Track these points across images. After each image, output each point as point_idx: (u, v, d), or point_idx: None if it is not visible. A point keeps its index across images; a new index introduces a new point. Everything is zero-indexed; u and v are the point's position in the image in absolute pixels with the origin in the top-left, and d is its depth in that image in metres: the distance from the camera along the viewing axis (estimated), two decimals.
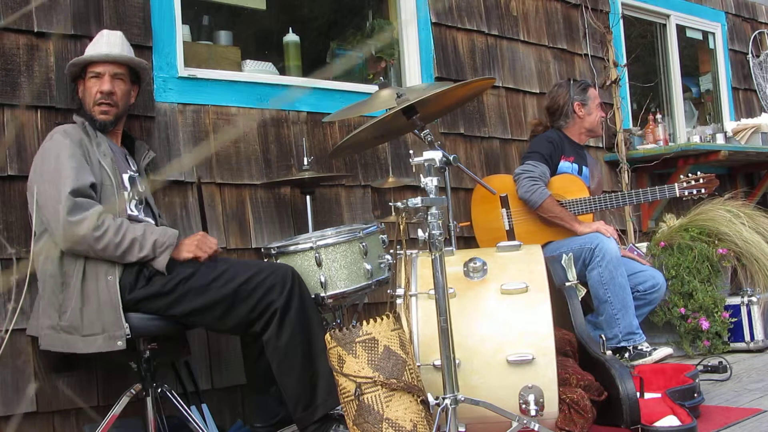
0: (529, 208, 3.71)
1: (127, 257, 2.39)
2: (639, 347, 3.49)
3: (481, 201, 3.89)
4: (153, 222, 2.68)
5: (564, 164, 3.83)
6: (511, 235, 3.76)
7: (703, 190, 3.78)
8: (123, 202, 2.55)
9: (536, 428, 2.15)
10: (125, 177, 2.64)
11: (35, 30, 2.77)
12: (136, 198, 2.67)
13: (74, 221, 2.33)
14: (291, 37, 3.81)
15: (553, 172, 3.79)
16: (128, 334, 2.36)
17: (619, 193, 3.84)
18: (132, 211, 2.62)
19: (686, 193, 3.78)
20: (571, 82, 3.98)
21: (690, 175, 3.84)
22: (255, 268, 2.47)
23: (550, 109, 3.98)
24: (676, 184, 3.80)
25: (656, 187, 3.86)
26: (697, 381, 2.96)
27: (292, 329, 2.40)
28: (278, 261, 2.70)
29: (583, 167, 3.92)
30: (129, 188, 2.63)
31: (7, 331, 2.52)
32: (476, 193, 3.94)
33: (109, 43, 2.64)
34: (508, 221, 3.79)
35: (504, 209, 3.79)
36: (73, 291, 2.38)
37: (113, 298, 2.36)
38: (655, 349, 3.50)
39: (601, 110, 3.99)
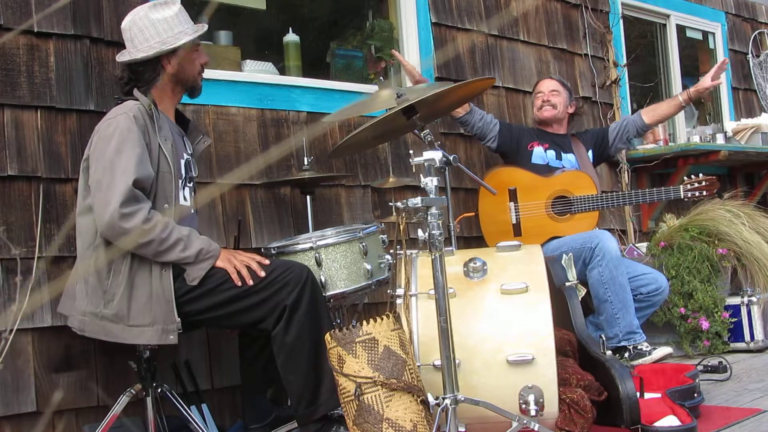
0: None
1: (166, 255, 2.34)
2: (639, 347, 3.49)
3: (489, 193, 3.88)
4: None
5: (537, 150, 3.91)
6: (517, 228, 3.78)
7: (705, 192, 3.80)
8: (178, 191, 2.50)
9: (536, 428, 2.15)
10: (182, 162, 2.57)
11: (35, 30, 2.77)
12: (190, 185, 2.62)
13: (126, 213, 2.29)
14: (291, 37, 3.82)
15: (510, 145, 3.89)
16: (180, 329, 2.35)
17: (626, 192, 3.86)
18: (185, 200, 2.57)
19: (689, 195, 3.81)
20: None
21: (693, 177, 3.85)
22: (270, 266, 2.45)
23: None
24: (681, 186, 3.83)
25: (662, 188, 3.89)
26: (697, 381, 2.96)
27: (300, 327, 2.39)
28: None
29: (563, 153, 3.95)
30: (184, 175, 2.57)
31: (11, 331, 2.52)
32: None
33: (186, 18, 2.58)
34: (515, 215, 3.80)
35: (512, 202, 3.81)
36: (121, 279, 2.35)
37: (166, 291, 2.35)
38: (654, 349, 3.50)
39: (540, 98, 4.02)
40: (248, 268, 2.41)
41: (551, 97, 3.99)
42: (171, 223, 2.37)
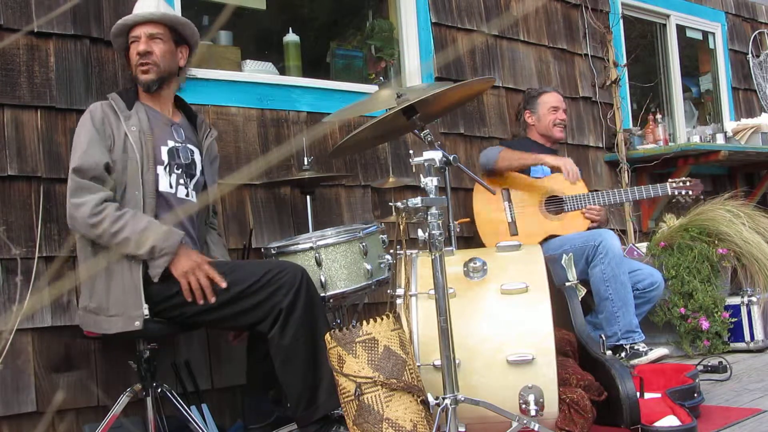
0: (491, 170, 3.84)
1: (122, 249, 2.36)
2: (636, 347, 3.50)
3: (484, 193, 3.90)
4: (195, 204, 2.63)
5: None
6: (513, 227, 3.80)
7: (690, 192, 3.86)
8: (153, 180, 2.48)
9: (536, 428, 2.15)
10: (163, 149, 2.56)
11: (35, 30, 2.77)
12: (178, 172, 2.59)
13: (75, 203, 2.35)
14: (291, 37, 3.82)
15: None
16: (147, 315, 2.35)
17: (617, 189, 3.91)
18: (169, 187, 2.55)
19: (676, 193, 3.86)
20: (526, 91, 4.19)
21: (677, 178, 3.95)
22: (264, 268, 2.44)
23: (516, 119, 4.22)
24: (667, 184, 3.89)
25: (650, 185, 3.94)
26: (697, 381, 2.96)
27: (296, 329, 2.38)
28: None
29: None
30: (167, 161, 2.56)
31: (11, 331, 2.52)
32: (479, 185, 3.96)
33: (142, 6, 2.59)
34: (510, 213, 3.82)
35: (506, 202, 3.83)
36: (101, 273, 2.39)
37: (135, 279, 2.36)
38: (651, 350, 3.51)
39: (555, 114, 4.02)
40: (210, 280, 2.38)
41: (565, 117, 4.06)
42: (126, 216, 2.36)
